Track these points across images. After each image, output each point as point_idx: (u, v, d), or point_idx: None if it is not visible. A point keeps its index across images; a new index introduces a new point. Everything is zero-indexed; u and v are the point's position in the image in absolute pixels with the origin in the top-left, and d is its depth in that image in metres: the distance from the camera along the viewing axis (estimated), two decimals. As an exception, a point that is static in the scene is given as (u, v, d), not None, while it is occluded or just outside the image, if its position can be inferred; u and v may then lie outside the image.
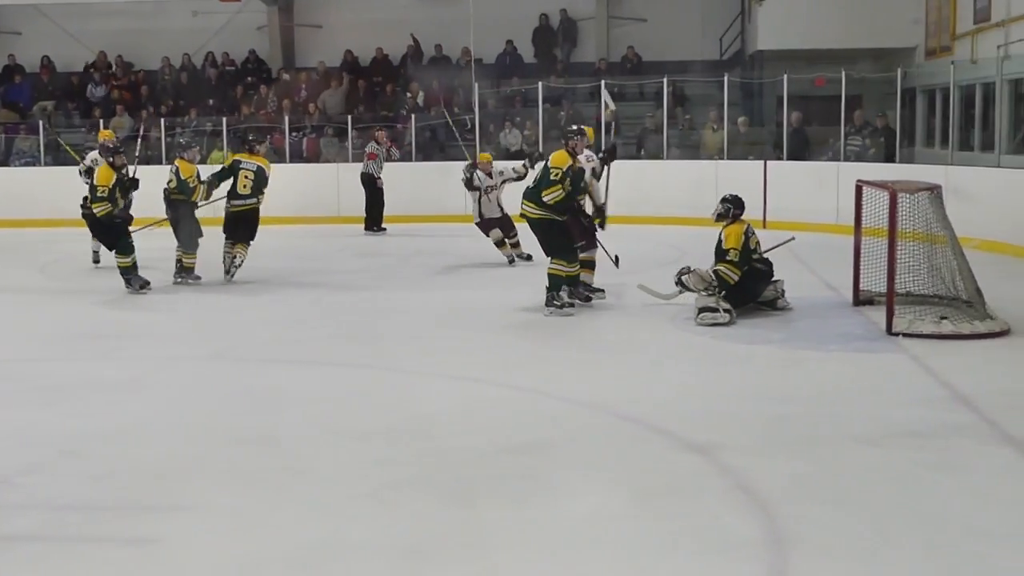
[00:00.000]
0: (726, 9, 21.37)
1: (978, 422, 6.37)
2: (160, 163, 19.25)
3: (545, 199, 9.60)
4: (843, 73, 16.57)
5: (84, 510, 5.20)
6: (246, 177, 11.88)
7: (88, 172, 13.15)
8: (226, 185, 11.88)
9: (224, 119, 19.24)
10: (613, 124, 17.50)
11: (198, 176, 11.81)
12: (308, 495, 5.34)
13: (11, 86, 21.93)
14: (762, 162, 16.79)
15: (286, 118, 19.29)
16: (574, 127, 9.97)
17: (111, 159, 11.21)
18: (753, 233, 9.64)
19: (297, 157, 19.10)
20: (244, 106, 20.56)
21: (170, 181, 11.68)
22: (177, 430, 6.50)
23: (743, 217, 9.69)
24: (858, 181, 10.14)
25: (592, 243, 10.28)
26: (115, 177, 11.08)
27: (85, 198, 11.70)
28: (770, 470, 5.55)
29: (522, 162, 12.85)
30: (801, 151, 17.27)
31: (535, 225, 9.81)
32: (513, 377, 7.56)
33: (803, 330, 8.94)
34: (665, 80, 18.01)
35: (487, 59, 21.07)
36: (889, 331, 8.58)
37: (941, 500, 5.18)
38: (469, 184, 12.70)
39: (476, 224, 12.89)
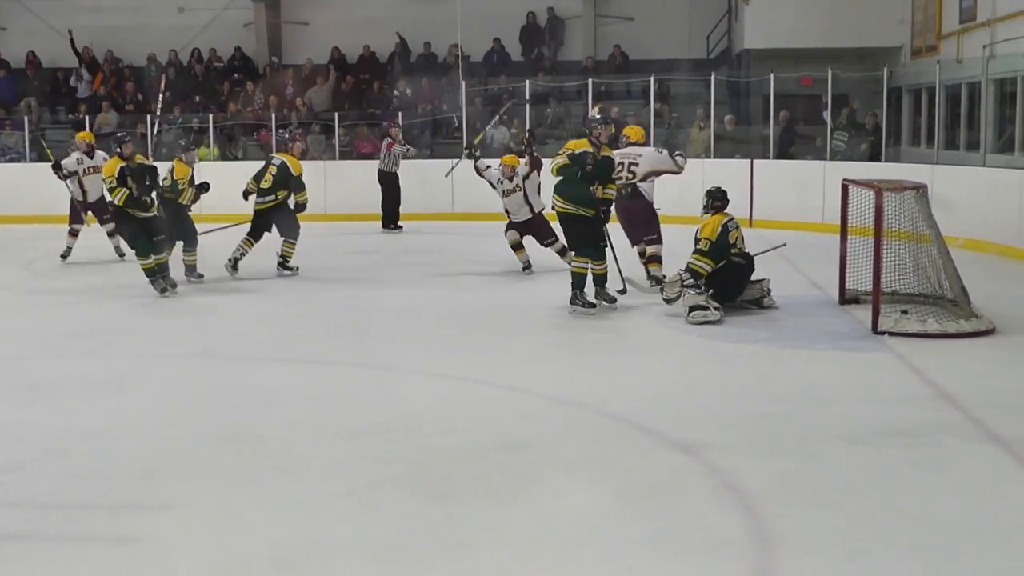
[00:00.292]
0: (713, 8, 21.40)
1: (963, 420, 6.38)
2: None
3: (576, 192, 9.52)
4: (829, 72, 16.60)
5: (69, 508, 5.18)
6: (270, 172, 12.06)
7: (58, 169, 13.44)
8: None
9: (211, 116, 19.20)
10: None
11: (191, 180, 11.75)
12: (294, 493, 5.33)
13: (-4, 78, 21.87)
14: (748, 161, 16.80)
15: (272, 115, 19.24)
16: (598, 115, 9.84)
17: (119, 149, 11.10)
18: (735, 228, 9.64)
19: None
20: (231, 103, 20.52)
21: (164, 179, 11.62)
22: (163, 428, 6.48)
23: (729, 213, 9.71)
24: (844, 180, 10.16)
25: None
26: (120, 166, 10.97)
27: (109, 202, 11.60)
28: (756, 469, 5.56)
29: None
30: (789, 150, 17.29)
31: (561, 219, 9.72)
32: (499, 375, 7.55)
33: (789, 329, 8.95)
34: (652, 79, 18.01)
35: (474, 57, 21.06)
36: (875, 330, 8.59)
37: (926, 498, 5.19)
38: (478, 171, 12.36)
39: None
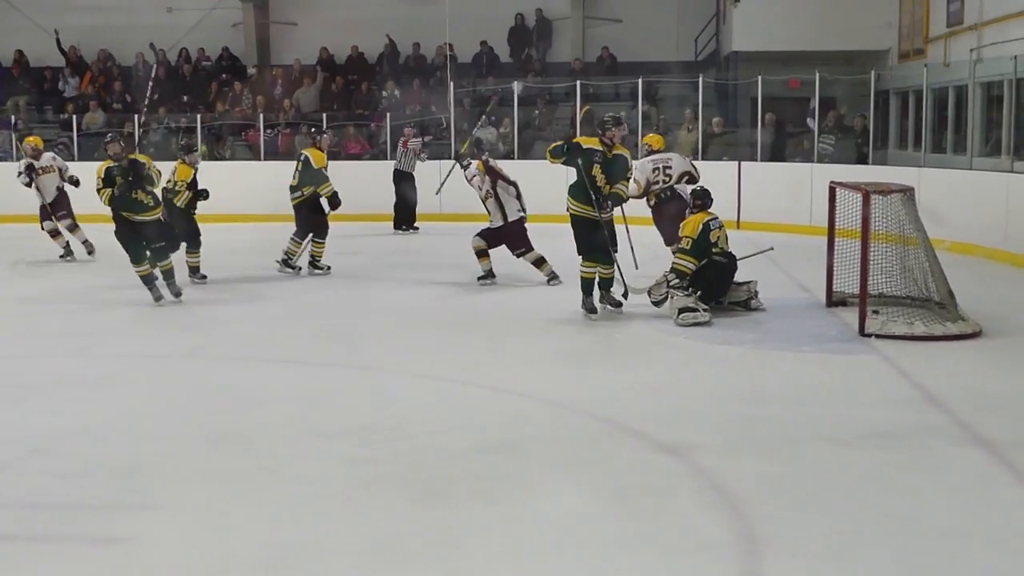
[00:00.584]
0: (701, 10, 21.43)
1: (950, 423, 6.40)
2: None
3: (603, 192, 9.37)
4: (817, 75, 16.63)
5: (55, 508, 5.17)
6: (296, 168, 12.14)
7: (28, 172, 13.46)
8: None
9: (198, 116, 19.17)
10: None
11: (191, 183, 11.57)
12: (281, 494, 5.32)
13: (-17, 78, 21.83)
14: (736, 163, 16.82)
15: (261, 115, 19.22)
16: (609, 116, 9.65)
17: (106, 149, 10.96)
18: (718, 228, 9.65)
19: (272, 154, 19.01)
20: (218, 103, 20.49)
21: (169, 180, 11.56)
22: (150, 428, 6.47)
23: (712, 212, 9.73)
24: (832, 182, 10.18)
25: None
26: (106, 166, 10.88)
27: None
28: (743, 470, 5.57)
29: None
30: (779, 152, 17.32)
31: (571, 222, 9.57)
32: (488, 377, 7.55)
33: (776, 331, 8.97)
34: (640, 81, 18.03)
35: (463, 58, 21.06)
36: (862, 332, 8.61)
37: (913, 501, 5.20)
38: (467, 180, 12.09)
39: None
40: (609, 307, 9.66)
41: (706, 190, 9.91)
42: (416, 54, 21.40)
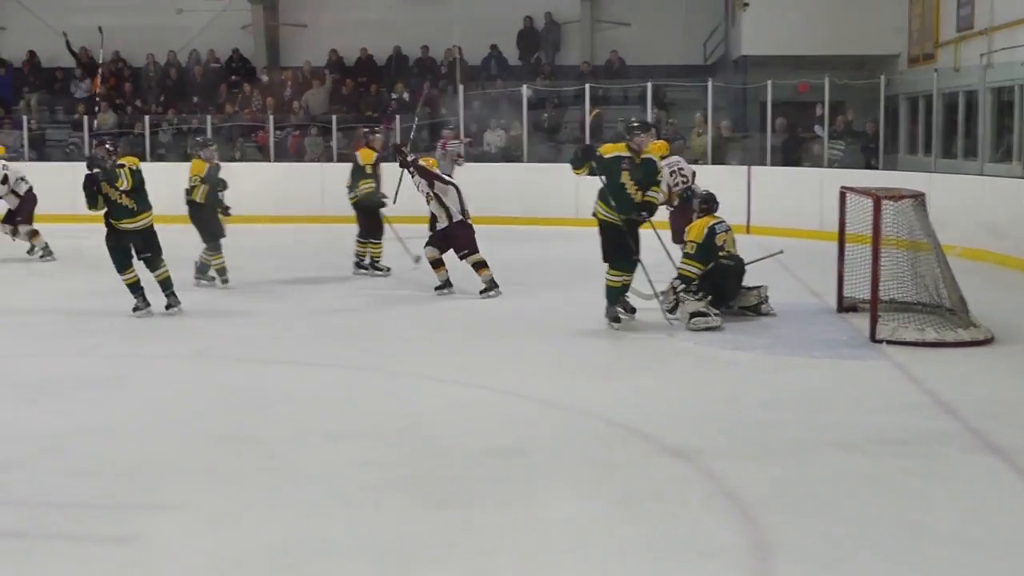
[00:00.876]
0: (710, 14, 21.39)
1: (961, 429, 6.37)
2: (143, 160, 19.22)
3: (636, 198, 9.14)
4: (827, 79, 16.60)
5: (65, 507, 5.17)
6: (350, 171, 12.16)
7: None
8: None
9: (208, 117, 19.18)
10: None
11: (205, 176, 11.38)
12: (290, 495, 5.31)
13: (-5, 77, 21.88)
14: (746, 167, 16.79)
15: (271, 117, 19.23)
16: (636, 122, 9.45)
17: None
18: (725, 231, 9.63)
19: (282, 156, 19.03)
20: (228, 104, 20.50)
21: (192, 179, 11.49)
22: (159, 428, 6.46)
23: (718, 216, 9.72)
24: (842, 188, 10.16)
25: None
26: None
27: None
28: (753, 476, 5.54)
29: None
30: (789, 157, 17.29)
31: (600, 228, 9.29)
32: (498, 380, 7.54)
33: (787, 336, 8.93)
34: (649, 84, 18.00)
35: (472, 61, 21.06)
36: (873, 338, 8.58)
37: (924, 507, 5.18)
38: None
39: None
40: (621, 312, 9.55)
41: (711, 194, 9.90)
42: (425, 57, 21.40)
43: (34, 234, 13.86)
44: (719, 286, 9.48)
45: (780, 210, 15.88)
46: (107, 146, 10.03)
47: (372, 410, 6.84)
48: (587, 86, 18.23)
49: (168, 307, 9.99)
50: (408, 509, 5.13)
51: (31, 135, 19.68)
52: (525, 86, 18.57)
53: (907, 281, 9.09)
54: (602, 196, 9.22)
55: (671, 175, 11.13)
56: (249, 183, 17.07)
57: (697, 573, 4.47)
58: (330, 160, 18.68)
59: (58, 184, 15.52)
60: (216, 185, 11.49)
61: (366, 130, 12.80)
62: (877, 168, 16.16)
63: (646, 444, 6.13)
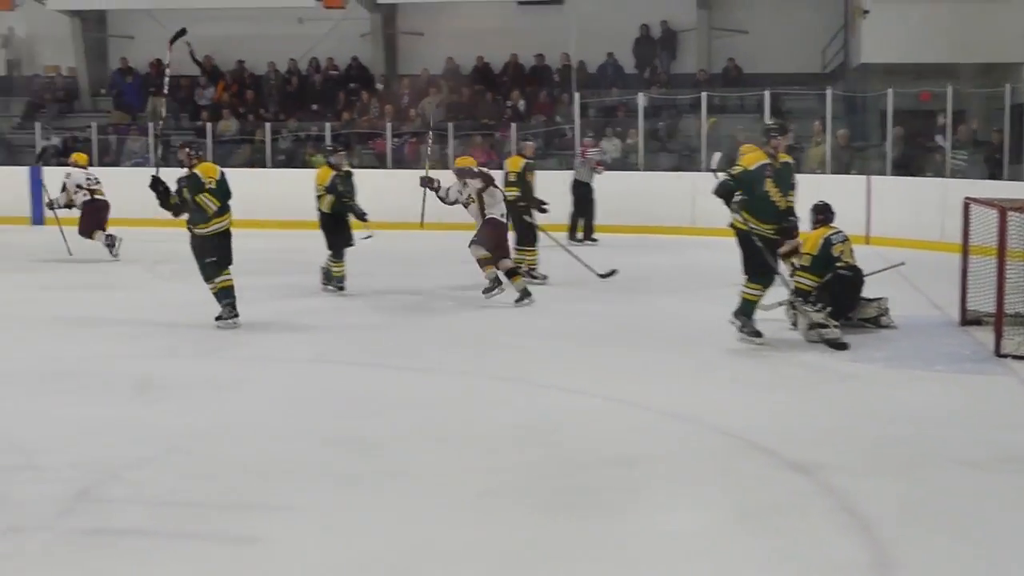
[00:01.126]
0: (829, 21, 21.06)
1: (1091, 449, 6.18)
2: (264, 166, 19.61)
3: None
4: (949, 88, 16.24)
5: (188, 507, 5.26)
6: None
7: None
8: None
9: (327, 124, 19.46)
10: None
11: (329, 186, 11.34)
12: (406, 499, 5.35)
13: (124, 85, 22.51)
14: (865, 177, 16.50)
15: (388, 124, 19.42)
16: (774, 124, 9.17)
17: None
18: (841, 241, 9.48)
19: (398, 163, 19.21)
20: (346, 112, 20.76)
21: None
22: (280, 430, 6.55)
23: (835, 226, 9.56)
24: (966, 198, 9.92)
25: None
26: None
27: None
28: (874, 492, 5.42)
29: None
30: (909, 166, 16.95)
31: (741, 239, 8.87)
32: (611, 388, 7.50)
33: (908, 349, 8.74)
34: (767, 93, 17.79)
35: (587, 69, 21.05)
36: (997, 352, 8.36)
37: (1053, 528, 5.03)
38: (443, 200, 11.73)
39: None
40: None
41: (827, 204, 9.73)
42: (540, 65, 21.44)
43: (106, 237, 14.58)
44: (837, 297, 9.32)
45: (900, 221, 15.57)
46: (187, 150, 9.78)
47: (491, 416, 6.86)
48: (703, 94, 18.10)
49: (218, 318, 9.65)
50: (525, 516, 5.12)
51: (157, 141, 20.15)
52: (641, 94, 18.50)
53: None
54: (745, 206, 8.72)
55: None
56: (366, 189, 17.31)
57: (817, 589, 4.39)
58: (445, 167, 18.77)
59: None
60: (344, 195, 11.41)
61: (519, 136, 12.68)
62: (1001, 179, 15.75)
63: (765, 457, 6.04)
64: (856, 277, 9.50)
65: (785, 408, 7.14)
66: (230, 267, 9.72)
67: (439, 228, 17.06)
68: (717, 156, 9.63)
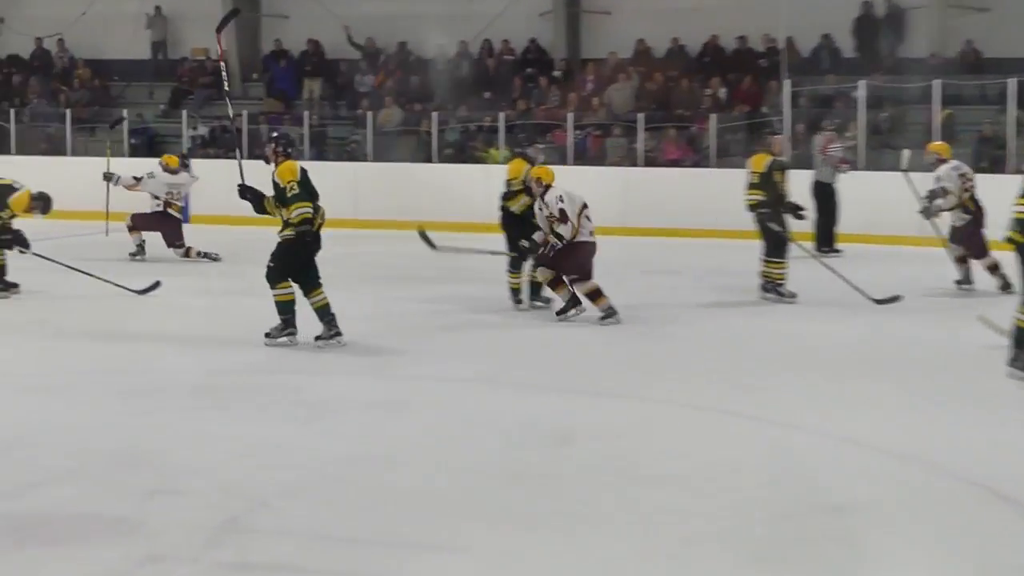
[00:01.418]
0: (1088, -3, 20.35)
1: None
2: (429, 160, 19.86)
3: None
4: None
5: (343, 543, 5.32)
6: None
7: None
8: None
9: (501, 114, 19.58)
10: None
11: (526, 186, 11.05)
12: (593, 545, 5.29)
13: (277, 70, 23.08)
14: None
15: (570, 115, 19.42)
16: None
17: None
18: None
19: (580, 159, 19.22)
20: (522, 100, 20.85)
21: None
22: (442, 459, 6.59)
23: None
24: None
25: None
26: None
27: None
28: None
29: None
30: None
31: (1019, 254, 8.58)
32: (826, 422, 7.35)
33: None
34: (1011, 82, 17.23)
35: (799, 52, 20.74)
36: None
37: None
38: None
39: None
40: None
41: None
42: (743, 48, 21.20)
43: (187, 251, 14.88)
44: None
45: None
46: (274, 145, 9.60)
47: (684, 452, 6.77)
48: (936, 82, 17.62)
49: (318, 338, 9.56)
50: (726, 569, 5.04)
51: (312, 132, 20.62)
52: (862, 81, 18.12)
53: None
54: None
55: (960, 179, 11.30)
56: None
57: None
58: (634, 164, 18.77)
59: (338, 184, 16.15)
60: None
61: (768, 131, 12.35)
62: None
63: (1011, 508, 5.81)
64: None
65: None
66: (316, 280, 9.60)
67: (634, 232, 17.07)
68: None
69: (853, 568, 5.07)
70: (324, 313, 9.56)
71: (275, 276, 9.53)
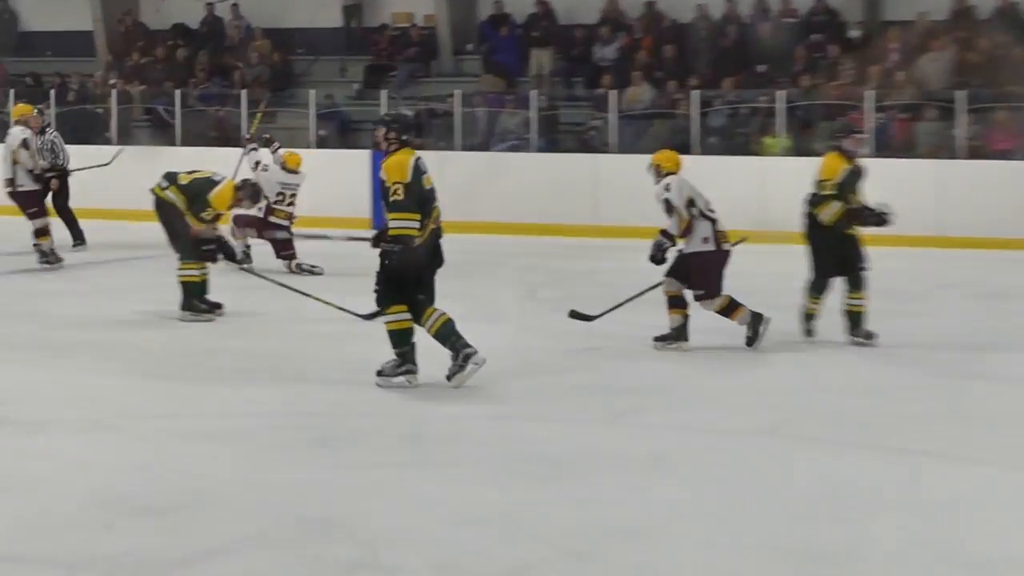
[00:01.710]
0: None
1: None
2: (688, 151, 19.76)
3: None
4: None
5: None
6: None
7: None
8: None
9: (779, 93, 19.39)
10: None
11: (842, 182, 11.06)
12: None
13: (497, 40, 23.25)
14: None
15: (869, 93, 19.11)
16: None
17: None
18: None
19: (881, 148, 18.90)
20: (807, 75, 20.58)
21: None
22: (714, 533, 6.54)
23: None
24: None
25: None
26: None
27: None
28: None
29: None
30: None
31: None
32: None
33: None
34: None
35: None
36: None
37: None
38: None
39: None
40: None
41: None
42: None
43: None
44: None
45: None
46: (386, 131, 9.68)
47: (1002, 528, 6.64)
48: None
49: (449, 376, 9.51)
50: None
51: (541, 116, 20.66)
52: None
53: None
54: None
55: None
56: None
57: None
58: (952, 156, 18.39)
59: (574, 182, 16.22)
60: (860, 215, 11.13)
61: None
62: None
63: None
64: None
65: None
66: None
67: (952, 244, 16.77)
68: None
69: None
70: (444, 337, 9.46)
71: (384, 299, 9.61)
